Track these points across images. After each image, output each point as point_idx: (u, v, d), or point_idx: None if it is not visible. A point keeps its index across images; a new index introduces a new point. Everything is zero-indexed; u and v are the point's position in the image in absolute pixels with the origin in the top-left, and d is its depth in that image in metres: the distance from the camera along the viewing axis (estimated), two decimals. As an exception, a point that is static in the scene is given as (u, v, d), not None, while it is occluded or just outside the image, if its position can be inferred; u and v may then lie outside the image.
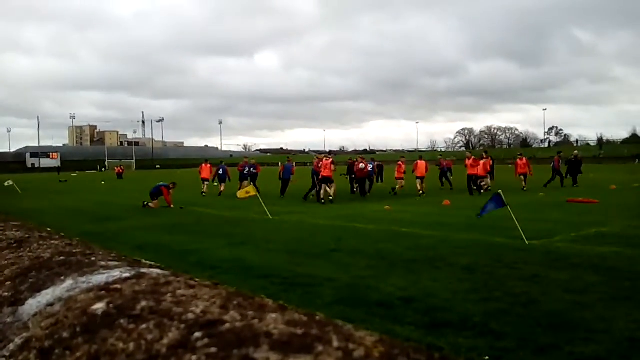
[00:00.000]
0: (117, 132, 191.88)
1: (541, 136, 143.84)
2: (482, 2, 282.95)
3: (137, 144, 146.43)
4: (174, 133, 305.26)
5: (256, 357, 0.48)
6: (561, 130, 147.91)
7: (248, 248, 9.55)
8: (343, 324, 0.59)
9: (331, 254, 8.75)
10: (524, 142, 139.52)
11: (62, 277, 0.88)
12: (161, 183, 19.02)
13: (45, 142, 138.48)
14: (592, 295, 5.87)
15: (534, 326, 4.91)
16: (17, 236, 1.34)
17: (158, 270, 0.87)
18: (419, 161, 22.65)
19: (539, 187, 22.75)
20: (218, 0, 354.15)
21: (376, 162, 26.96)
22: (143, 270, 0.87)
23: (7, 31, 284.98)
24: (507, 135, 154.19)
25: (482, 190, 21.42)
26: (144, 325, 0.62)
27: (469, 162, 21.85)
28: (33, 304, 0.80)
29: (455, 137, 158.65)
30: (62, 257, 1.02)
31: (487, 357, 4.18)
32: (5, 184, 29.35)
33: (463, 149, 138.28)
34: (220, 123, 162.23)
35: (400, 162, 23.46)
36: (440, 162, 26.14)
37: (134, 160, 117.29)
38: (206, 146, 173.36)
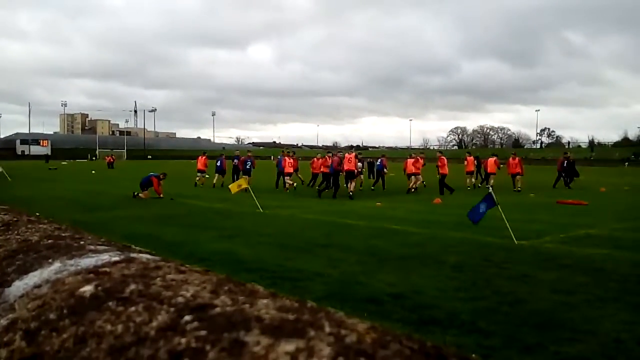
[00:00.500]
0: (109, 121, 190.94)
1: (533, 137, 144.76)
2: (475, 2, 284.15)
3: (128, 133, 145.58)
4: (166, 124, 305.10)
5: (247, 341, 0.48)
6: (553, 131, 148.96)
7: (238, 241, 9.54)
8: (335, 311, 0.58)
9: (321, 249, 8.75)
10: (516, 143, 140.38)
11: (50, 260, 0.86)
12: (152, 173, 18.93)
13: (36, 129, 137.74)
14: (579, 296, 5.91)
15: (520, 325, 4.94)
16: (5, 219, 1.32)
17: (148, 255, 0.86)
18: (408, 159, 23.17)
19: (530, 188, 22.87)
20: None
21: (369, 159, 26.97)
22: (133, 255, 0.85)
23: (0, 17, 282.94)
24: (500, 135, 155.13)
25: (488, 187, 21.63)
26: (132, 308, 0.61)
27: (440, 162, 21.71)
28: (20, 286, 0.79)
29: (448, 136, 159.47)
30: (50, 241, 1.01)
31: (474, 355, 4.20)
32: None
33: (456, 147, 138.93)
34: (214, 115, 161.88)
35: (419, 158, 23.05)
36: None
37: (125, 150, 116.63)
38: (199, 138, 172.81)
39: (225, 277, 0.73)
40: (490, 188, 22.17)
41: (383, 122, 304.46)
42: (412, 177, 22.12)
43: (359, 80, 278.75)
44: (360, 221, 12.27)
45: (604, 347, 4.41)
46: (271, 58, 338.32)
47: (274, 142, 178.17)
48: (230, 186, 15.42)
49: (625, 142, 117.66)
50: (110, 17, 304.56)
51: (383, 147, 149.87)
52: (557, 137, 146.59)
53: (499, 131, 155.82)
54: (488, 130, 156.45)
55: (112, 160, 58.11)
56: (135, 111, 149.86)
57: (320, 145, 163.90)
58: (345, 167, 19.27)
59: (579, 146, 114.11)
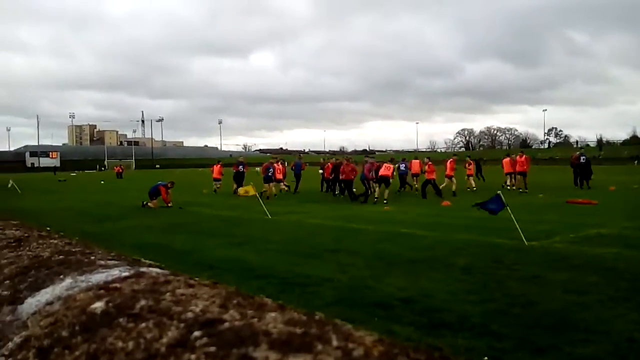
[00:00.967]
0: (117, 132, 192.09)
1: (541, 137, 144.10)
2: (474, 3, 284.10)
3: (136, 143, 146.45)
4: (173, 133, 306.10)
5: (255, 356, 0.48)
6: (561, 131, 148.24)
7: (247, 248, 9.55)
8: (342, 324, 0.59)
9: (330, 254, 8.75)
10: (524, 143, 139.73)
11: (61, 276, 0.88)
12: (160, 182, 19.01)
13: (44, 142, 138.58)
14: (591, 296, 5.87)
15: (532, 327, 4.91)
16: (17, 235, 1.34)
17: (157, 270, 0.87)
18: (413, 160, 24.30)
19: (539, 188, 22.76)
20: (212, 1, 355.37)
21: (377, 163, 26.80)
22: (142, 269, 0.86)
23: (5, 31, 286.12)
24: (507, 136, 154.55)
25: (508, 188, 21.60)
26: (143, 324, 0.62)
27: (427, 167, 21.46)
28: (32, 303, 0.80)
29: (455, 138, 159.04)
30: (61, 256, 1.02)
31: (485, 358, 4.18)
32: (8, 185, 29.36)
33: (463, 149, 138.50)
34: (220, 123, 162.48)
35: (452, 160, 23.06)
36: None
37: (133, 160, 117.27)
38: (206, 146, 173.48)
39: (234, 290, 0.74)
40: (508, 188, 22.24)
41: (388, 125, 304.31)
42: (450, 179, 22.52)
43: (362, 85, 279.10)
44: (368, 225, 12.26)
45: (617, 347, 4.38)
46: (274, 65, 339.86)
47: (281, 148, 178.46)
48: (239, 190, 15.46)
49: (634, 140, 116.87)
50: (114, 29, 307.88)
51: (390, 151, 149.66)
52: (565, 136, 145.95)
53: (507, 132, 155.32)
54: (495, 132, 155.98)
55: (120, 170, 58.38)
56: (143, 121, 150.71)
57: (327, 150, 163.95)
58: (381, 173, 19.08)
59: (588, 145, 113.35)
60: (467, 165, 25.15)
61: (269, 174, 22.10)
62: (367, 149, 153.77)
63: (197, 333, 0.56)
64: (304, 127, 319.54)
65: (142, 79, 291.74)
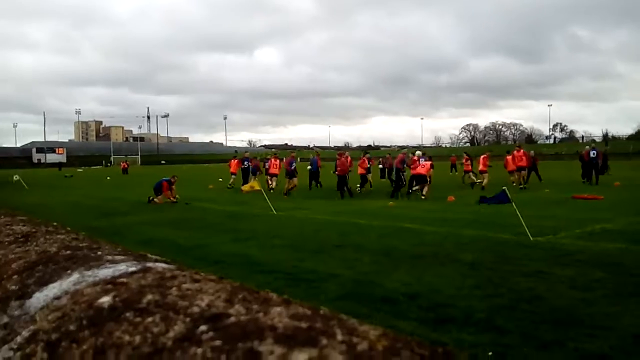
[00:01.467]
0: (123, 128, 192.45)
1: (546, 132, 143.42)
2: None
3: (142, 139, 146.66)
4: (179, 129, 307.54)
5: (261, 350, 0.49)
6: (566, 126, 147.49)
7: (252, 243, 9.57)
8: (347, 318, 0.59)
9: (336, 249, 8.76)
10: (529, 138, 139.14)
11: (69, 271, 0.88)
12: (164, 178, 19.04)
13: (51, 138, 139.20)
14: (597, 292, 5.85)
15: (538, 322, 4.90)
16: (24, 230, 1.35)
17: (164, 265, 0.88)
18: (412, 156, 23.83)
19: (544, 184, 22.67)
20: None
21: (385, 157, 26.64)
22: (149, 264, 0.87)
23: (11, 28, 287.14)
24: (512, 131, 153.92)
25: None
26: (149, 319, 0.62)
27: (413, 162, 20.98)
28: (40, 298, 0.81)
29: (460, 133, 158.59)
30: (68, 251, 1.03)
31: (490, 353, 4.18)
32: (14, 178, 29.51)
33: (468, 144, 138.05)
34: (225, 118, 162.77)
35: (485, 156, 23.04)
36: (388, 159, 24.92)
37: (139, 156, 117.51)
38: (211, 142, 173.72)
39: (239, 285, 0.75)
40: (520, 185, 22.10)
41: (393, 121, 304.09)
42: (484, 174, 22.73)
43: (366, 81, 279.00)
44: (373, 221, 12.25)
45: (624, 343, 4.37)
46: (278, 61, 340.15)
47: (286, 144, 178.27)
48: (243, 187, 15.37)
49: (639, 135, 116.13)
50: (117, 26, 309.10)
51: (395, 146, 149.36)
52: (570, 131, 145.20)
53: (512, 127, 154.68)
54: (500, 127, 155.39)
55: (126, 166, 58.52)
56: (149, 117, 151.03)
57: (332, 146, 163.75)
58: (417, 171, 19.07)
59: (594, 140, 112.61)
60: (464, 161, 25.28)
61: (292, 167, 21.75)
62: (372, 145, 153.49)
63: (203, 327, 0.57)
64: (309, 123, 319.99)
65: (147, 75, 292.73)
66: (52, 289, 0.82)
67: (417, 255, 8.06)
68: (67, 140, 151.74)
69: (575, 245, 8.64)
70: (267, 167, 23.91)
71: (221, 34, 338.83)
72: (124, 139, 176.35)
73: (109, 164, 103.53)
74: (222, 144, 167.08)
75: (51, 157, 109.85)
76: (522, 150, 23.02)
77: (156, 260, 0.94)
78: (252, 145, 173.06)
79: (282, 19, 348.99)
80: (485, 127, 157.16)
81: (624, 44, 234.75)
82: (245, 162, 24.90)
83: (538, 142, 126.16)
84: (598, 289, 5.97)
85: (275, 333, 0.52)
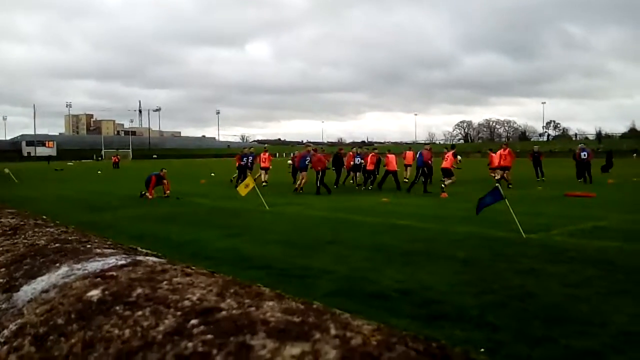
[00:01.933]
0: (114, 121, 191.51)
1: (539, 129, 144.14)
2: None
3: (134, 133, 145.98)
4: (171, 123, 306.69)
5: (253, 344, 0.48)
6: (559, 124, 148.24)
7: (244, 239, 9.55)
8: (340, 313, 0.58)
9: (328, 245, 8.76)
10: (523, 136, 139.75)
11: (57, 264, 0.87)
12: (153, 173, 18.93)
13: (41, 131, 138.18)
14: (589, 289, 5.89)
15: (530, 319, 4.93)
16: (12, 223, 1.33)
17: (154, 258, 0.87)
18: (407, 152, 25.32)
19: (537, 181, 22.79)
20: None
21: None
22: (139, 258, 0.86)
23: (0, 19, 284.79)
24: (506, 128, 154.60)
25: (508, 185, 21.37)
26: (139, 312, 0.61)
27: (387, 159, 21.34)
28: (28, 291, 0.80)
29: (454, 130, 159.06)
30: (57, 245, 1.02)
31: (482, 349, 4.19)
32: (5, 170, 29.33)
33: (462, 141, 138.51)
34: (218, 113, 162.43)
35: (505, 150, 22.90)
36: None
37: (130, 150, 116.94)
38: (203, 136, 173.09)
39: (231, 279, 0.74)
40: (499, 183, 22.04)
41: (386, 117, 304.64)
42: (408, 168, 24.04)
43: (359, 76, 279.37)
44: (367, 217, 12.27)
45: (614, 340, 4.39)
46: (270, 55, 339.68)
47: (279, 139, 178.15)
48: (238, 188, 15.01)
49: (632, 133, 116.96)
50: (107, 18, 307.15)
51: (388, 142, 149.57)
52: (563, 129, 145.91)
53: (505, 124, 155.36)
54: (494, 124, 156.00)
55: (117, 160, 58.23)
56: (140, 111, 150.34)
57: (325, 141, 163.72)
58: (443, 165, 19.46)
59: (587, 138, 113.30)
60: (444, 156, 25.27)
61: (306, 162, 20.94)
62: (366, 141, 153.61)
63: (194, 321, 0.56)
64: (302, 118, 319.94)
65: (137, 69, 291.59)
66: (41, 282, 0.81)
67: (410, 252, 8.07)
68: (57, 134, 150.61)
69: (568, 243, 8.69)
70: (307, 161, 21.75)
71: (212, 28, 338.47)
72: (115, 132, 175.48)
73: (99, 158, 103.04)
74: (214, 138, 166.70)
75: (41, 151, 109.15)
76: (508, 149, 22.41)
77: (147, 254, 0.92)
78: (245, 140, 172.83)
79: (274, 13, 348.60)
80: (479, 124, 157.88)
81: (616, 42, 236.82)
82: (244, 159, 24.06)
83: (532, 140, 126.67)
84: (590, 286, 6.01)
85: (268, 327, 0.51)
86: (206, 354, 0.49)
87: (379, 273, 6.76)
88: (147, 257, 0.87)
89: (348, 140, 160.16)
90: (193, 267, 0.81)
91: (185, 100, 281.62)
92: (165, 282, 0.70)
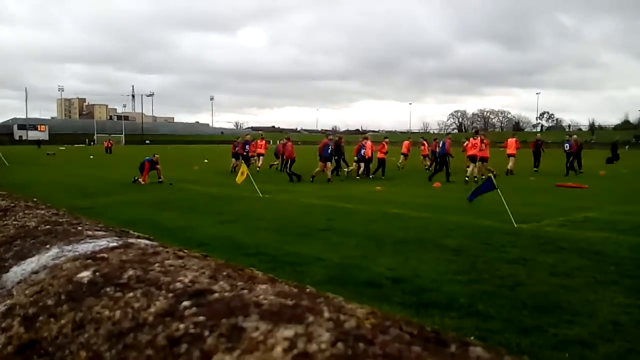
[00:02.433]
0: (107, 106, 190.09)
1: (533, 120, 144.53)
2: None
3: (126, 118, 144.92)
4: (164, 108, 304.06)
5: (245, 326, 0.47)
6: (552, 114, 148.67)
7: (237, 226, 9.55)
8: (334, 297, 0.58)
9: (321, 233, 8.77)
10: (517, 126, 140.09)
11: (48, 246, 0.86)
12: (147, 158, 18.83)
13: (32, 115, 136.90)
14: (578, 279, 5.94)
15: (519, 308, 4.97)
16: (3, 205, 1.31)
17: (146, 241, 0.86)
18: (405, 141, 26.58)
19: (531, 172, 22.88)
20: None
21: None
22: (131, 240, 0.85)
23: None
24: (500, 118, 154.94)
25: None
26: (130, 294, 0.61)
27: (380, 147, 21.43)
28: (17, 272, 0.79)
29: (448, 119, 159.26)
30: (47, 226, 1.01)
31: (472, 338, 4.22)
32: None
33: (456, 131, 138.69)
34: (212, 99, 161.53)
35: (514, 140, 23.42)
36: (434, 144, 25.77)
37: (123, 135, 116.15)
38: (197, 122, 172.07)
39: (224, 263, 0.73)
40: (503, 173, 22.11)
41: (380, 105, 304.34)
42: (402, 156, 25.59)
43: (352, 64, 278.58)
44: (360, 205, 12.29)
45: (603, 330, 4.44)
46: (263, 42, 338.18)
47: (273, 126, 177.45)
48: (237, 179, 14.82)
49: (625, 124, 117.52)
50: (98, 0, 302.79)
51: (383, 131, 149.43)
52: (556, 120, 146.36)
53: (499, 114, 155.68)
54: (488, 114, 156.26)
55: (110, 145, 57.91)
56: (133, 96, 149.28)
57: (319, 129, 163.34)
58: (469, 153, 19.45)
59: (580, 129, 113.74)
60: (420, 146, 27.33)
61: (329, 151, 20.44)
62: (360, 129, 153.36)
63: (186, 303, 0.55)
64: (295, 106, 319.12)
65: (129, 53, 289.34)
66: (30, 264, 0.80)
67: (402, 240, 8.10)
68: (49, 118, 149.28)
69: (558, 233, 8.75)
70: (330, 150, 20.96)
71: (205, 12, 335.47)
72: (108, 117, 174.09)
73: (92, 143, 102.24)
74: (208, 125, 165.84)
75: (33, 135, 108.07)
76: (479, 139, 20.11)
77: (138, 237, 0.92)
78: (239, 127, 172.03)
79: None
80: (473, 114, 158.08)
81: (609, 34, 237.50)
82: (247, 147, 23.72)
83: (525, 130, 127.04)
84: (579, 276, 6.06)
85: (261, 310, 0.51)
86: (198, 335, 0.48)
87: (371, 261, 6.78)
88: (139, 240, 0.86)
89: (342, 129, 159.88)
90: (185, 250, 0.80)
91: (178, 86, 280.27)
92: (157, 264, 0.70)
